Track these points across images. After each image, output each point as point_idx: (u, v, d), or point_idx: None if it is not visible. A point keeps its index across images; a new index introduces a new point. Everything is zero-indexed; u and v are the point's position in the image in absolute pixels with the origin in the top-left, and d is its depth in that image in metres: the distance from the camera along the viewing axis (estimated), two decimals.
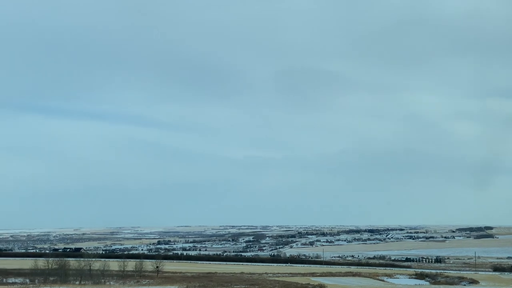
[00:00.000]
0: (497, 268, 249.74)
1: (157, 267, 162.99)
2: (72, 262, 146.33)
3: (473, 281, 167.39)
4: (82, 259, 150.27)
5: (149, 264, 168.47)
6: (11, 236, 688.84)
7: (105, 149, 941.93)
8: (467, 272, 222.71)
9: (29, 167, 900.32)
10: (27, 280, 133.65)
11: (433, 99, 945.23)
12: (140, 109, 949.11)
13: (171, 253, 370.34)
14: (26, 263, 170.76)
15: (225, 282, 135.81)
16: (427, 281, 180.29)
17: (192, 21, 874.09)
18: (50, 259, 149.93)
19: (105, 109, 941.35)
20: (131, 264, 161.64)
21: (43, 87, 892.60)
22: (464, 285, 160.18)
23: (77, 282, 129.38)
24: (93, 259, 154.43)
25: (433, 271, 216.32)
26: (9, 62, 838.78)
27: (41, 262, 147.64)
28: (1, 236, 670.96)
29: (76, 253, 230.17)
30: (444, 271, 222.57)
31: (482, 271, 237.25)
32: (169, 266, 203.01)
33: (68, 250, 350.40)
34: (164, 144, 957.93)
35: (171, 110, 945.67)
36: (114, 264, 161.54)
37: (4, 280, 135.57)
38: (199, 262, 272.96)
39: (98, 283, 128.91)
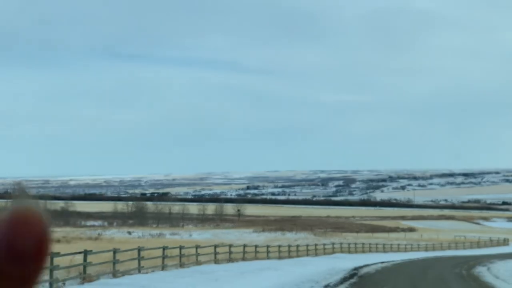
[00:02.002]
0: None
1: (238, 210, 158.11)
2: (151, 205, 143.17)
3: None
4: (161, 202, 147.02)
5: (231, 208, 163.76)
6: (104, 181, 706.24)
7: (196, 95, 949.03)
8: None
9: (122, 115, 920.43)
10: (106, 223, 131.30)
11: None
12: (230, 54, 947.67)
13: (258, 198, 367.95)
14: (110, 207, 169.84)
15: (309, 226, 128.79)
16: None
17: None
18: (130, 202, 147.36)
19: (196, 55, 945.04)
20: (212, 208, 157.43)
21: (136, 35, 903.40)
22: None
23: (155, 225, 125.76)
24: (173, 203, 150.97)
25: None
26: (105, 11, 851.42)
27: (121, 206, 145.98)
28: (96, 182, 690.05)
29: (156, 197, 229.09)
30: None
31: None
32: (254, 210, 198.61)
33: (156, 194, 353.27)
34: (254, 89, 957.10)
35: (260, 55, 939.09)
36: (194, 208, 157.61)
37: (83, 222, 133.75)
38: (285, 206, 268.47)
39: (176, 226, 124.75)
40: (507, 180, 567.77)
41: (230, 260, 38.71)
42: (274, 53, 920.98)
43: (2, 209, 1.56)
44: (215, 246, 38.51)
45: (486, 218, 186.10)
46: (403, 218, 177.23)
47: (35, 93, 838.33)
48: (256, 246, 45.31)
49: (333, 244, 56.26)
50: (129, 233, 76.51)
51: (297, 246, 48.71)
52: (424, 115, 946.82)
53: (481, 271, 37.79)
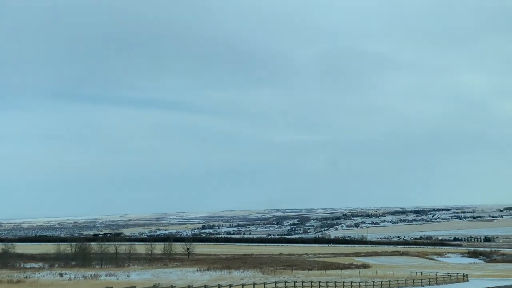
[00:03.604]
0: None
1: (187, 249, 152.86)
2: (96, 246, 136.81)
3: None
4: (106, 243, 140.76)
5: (180, 247, 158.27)
6: (58, 223, 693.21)
7: (150, 136, 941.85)
8: None
9: (76, 155, 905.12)
10: (46, 265, 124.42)
11: (478, 77, 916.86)
12: (183, 95, 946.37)
13: (214, 237, 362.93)
14: (56, 248, 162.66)
15: (260, 264, 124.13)
16: (481, 259, 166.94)
17: (233, 6, 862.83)
18: (74, 243, 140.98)
19: (151, 97, 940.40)
20: (160, 248, 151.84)
21: (91, 77, 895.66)
22: None
23: (98, 266, 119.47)
24: (119, 243, 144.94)
25: (487, 249, 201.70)
26: (62, 53, 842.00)
27: (64, 247, 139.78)
28: (49, 224, 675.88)
29: (102, 237, 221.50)
30: (498, 249, 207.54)
31: None
32: (205, 249, 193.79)
33: (108, 235, 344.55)
34: (209, 129, 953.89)
35: (214, 95, 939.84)
36: (141, 248, 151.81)
37: (23, 265, 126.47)
38: (237, 244, 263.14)
39: (121, 266, 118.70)
40: (457, 217, 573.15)
41: None
42: (229, 94, 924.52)
43: None
44: None
45: (440, 254, 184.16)
46: (357, 254, 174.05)
47: None
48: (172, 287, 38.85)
49: (275, 283, 51.16)
50: (61, 275, 71.02)
51: (230, 285, 42.75)
52: (376, 154, 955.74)
53: None
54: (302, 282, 55.05)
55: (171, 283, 46.72)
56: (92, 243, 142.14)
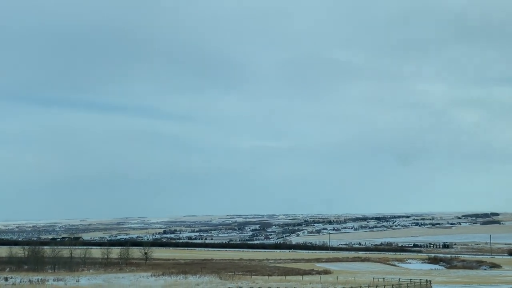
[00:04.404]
0: None
1: (145, 253, 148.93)
2: (49, 250, 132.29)
3: (495, 265, 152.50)
4: (60, 247, 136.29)
5: (138, 252, 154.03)
6: (17, 227, 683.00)
7: (112, 140, 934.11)
8: (482, 256, 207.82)
9: (36, 159, 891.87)
10: None
11: (438, 86, 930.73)
12: (147, 100, 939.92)
13: (174, 242, 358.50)
14: (10, 252, 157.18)
15: (220, 269, 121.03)
16: (441, 265, 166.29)
17: (199, 12, 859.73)
18: (26, 247, 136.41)
19: (116, 101, 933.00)
20: (117, 252, 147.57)
21: (56, 80, 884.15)
22: (485, 269, 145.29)
23: (51, 270, 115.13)
24: (74, 247, 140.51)
25: (448, 255, 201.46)
26: (24, 56, 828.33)
27: (17, 250, 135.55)
28: (8, 227, 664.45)
29: (56, 241, 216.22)
30: (458, 255, 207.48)
31: (498, 255, 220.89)
32: (164, 253, 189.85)
33: (66, 239, 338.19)
34: (171, 134, 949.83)
35: (178, 101, 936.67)
36: (98, 252, 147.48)
37: None
38: (198, 249, 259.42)
39: (74, 271, 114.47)
40: (417, 224, 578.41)
41: None
42: (193, 100, 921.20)
43: None
44: None
45: (401, 260, 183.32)
46: (318, 260, 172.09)
47: None
48: None
49: None
50: (6, 279, 67.28)
51: None
52: (338, 161, 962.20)
53: None
54: None
55: None
56: (45, 247, 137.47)
